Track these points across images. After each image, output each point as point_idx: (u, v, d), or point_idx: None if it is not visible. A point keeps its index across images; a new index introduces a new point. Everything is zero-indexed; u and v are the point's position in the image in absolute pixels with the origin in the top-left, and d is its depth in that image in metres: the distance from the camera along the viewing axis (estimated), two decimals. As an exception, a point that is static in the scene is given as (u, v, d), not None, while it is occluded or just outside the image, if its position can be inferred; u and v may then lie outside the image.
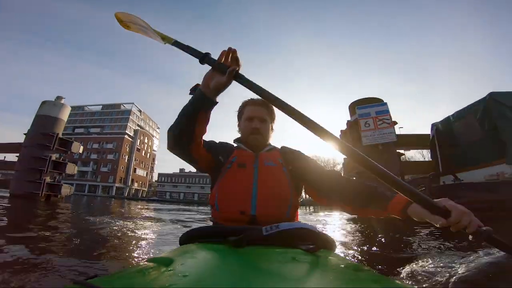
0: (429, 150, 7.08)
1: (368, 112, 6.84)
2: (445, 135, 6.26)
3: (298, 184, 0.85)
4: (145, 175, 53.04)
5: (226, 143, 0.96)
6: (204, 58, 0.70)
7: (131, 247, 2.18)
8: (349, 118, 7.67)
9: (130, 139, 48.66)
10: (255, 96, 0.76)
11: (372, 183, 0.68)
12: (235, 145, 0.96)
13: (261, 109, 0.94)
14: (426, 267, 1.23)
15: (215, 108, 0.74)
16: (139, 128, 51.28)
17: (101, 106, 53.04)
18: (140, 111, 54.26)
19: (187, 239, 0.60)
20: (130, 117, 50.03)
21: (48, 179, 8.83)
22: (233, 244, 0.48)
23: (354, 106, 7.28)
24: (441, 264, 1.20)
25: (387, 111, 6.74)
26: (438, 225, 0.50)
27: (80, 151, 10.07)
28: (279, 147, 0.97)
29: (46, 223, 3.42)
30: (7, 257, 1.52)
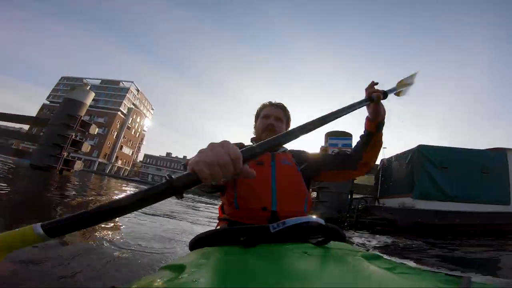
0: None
1: (336, 143, 9.08)
2: (387, 170, 8.57)
3: (309, 182, 0.91)
4: (130, 154, 53.10)
5: (241, 143, 0.98)
6: (175, 189, 0.37)
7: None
8: (323, 144, 9.90)
9: (123, 116, 48.63)
10: (273, 99, 0.95)
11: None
12: (250, 144, 0.98)
13: (278, 110, 1.02)
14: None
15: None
16: (133, 107, 51.47)
17: (99, 80, 52.70)
18: (138, 90, 54.40)
19: (196, 243, 0.61)
20: (127, 95, 50.01)
21: (65, 155, 10.46)
22: (242, 244, 0.48)
23: (328, 136, 9.51)
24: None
25: (350, 145, 9.01)
26: (377, 102, 0.77)
27: (96, 132, 11.65)
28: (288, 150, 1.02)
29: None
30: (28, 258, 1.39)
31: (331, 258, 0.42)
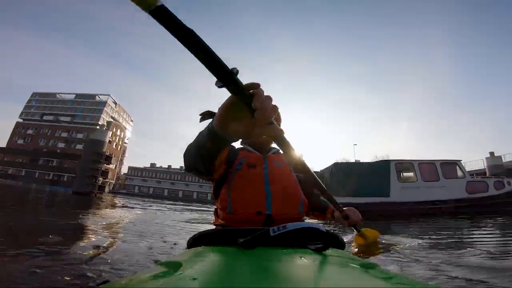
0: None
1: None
2: (321, 178, 13.89)
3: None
4: (114, 167, 54.71)
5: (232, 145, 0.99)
6: (229, 80, 0.36)
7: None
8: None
9: (102, 131, 50.39)
10: None
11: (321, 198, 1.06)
12: (240, 146, 1.01)
13: None
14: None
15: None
16: (112, 120, 53.06)
17: (74, 95, 54.13)
18: (115, 103, 56.34)
19: (195, 242, 0.64)
20: (105, 108, 51.95)
21: (99, 182, 14.85)
22: (241, 245, 0.50)
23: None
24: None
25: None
26: (345, 226, 1.06)
27: (117, 162, 15.97)
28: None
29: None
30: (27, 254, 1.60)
31: (328, 265, 0.44)
